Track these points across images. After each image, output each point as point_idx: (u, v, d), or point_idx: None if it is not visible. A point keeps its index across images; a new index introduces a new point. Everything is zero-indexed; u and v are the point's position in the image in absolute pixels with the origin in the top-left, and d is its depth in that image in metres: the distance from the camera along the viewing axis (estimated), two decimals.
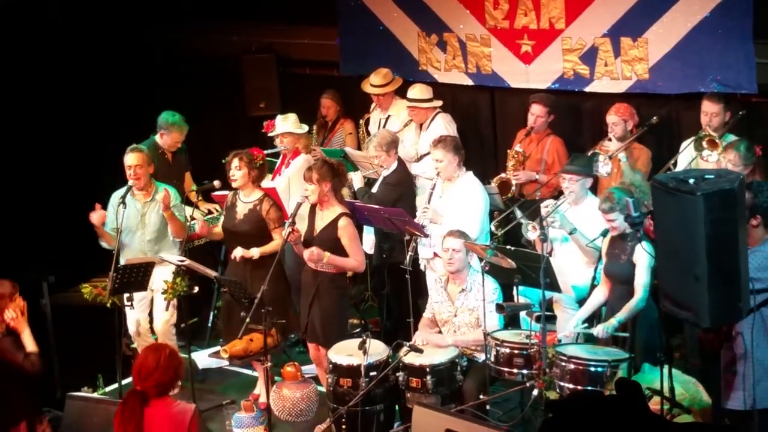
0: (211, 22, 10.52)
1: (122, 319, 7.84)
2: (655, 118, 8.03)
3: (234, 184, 7.69)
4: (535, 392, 6.51)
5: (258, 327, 6.93)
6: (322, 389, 7.34)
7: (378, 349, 6.91)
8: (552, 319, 6.80)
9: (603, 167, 7.52)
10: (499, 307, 6.79)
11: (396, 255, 8.19)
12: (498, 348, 6.69)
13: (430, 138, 8.26)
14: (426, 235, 7.73)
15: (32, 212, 9.75)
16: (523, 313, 7.15)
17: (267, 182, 8.25)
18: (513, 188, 8.42)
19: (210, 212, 8.86)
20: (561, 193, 7.64)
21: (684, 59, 8.04)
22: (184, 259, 7.59)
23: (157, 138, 8.74)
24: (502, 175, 8.48)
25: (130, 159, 7.82)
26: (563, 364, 6.41)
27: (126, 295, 7.54)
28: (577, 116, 8.85)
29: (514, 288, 7.06)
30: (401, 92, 9.13)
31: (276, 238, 7.54)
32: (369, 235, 8.37)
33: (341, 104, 9.76)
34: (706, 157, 7.41)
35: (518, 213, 7.74)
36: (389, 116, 9.26)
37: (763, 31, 7.71)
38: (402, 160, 8.45)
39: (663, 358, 6.06)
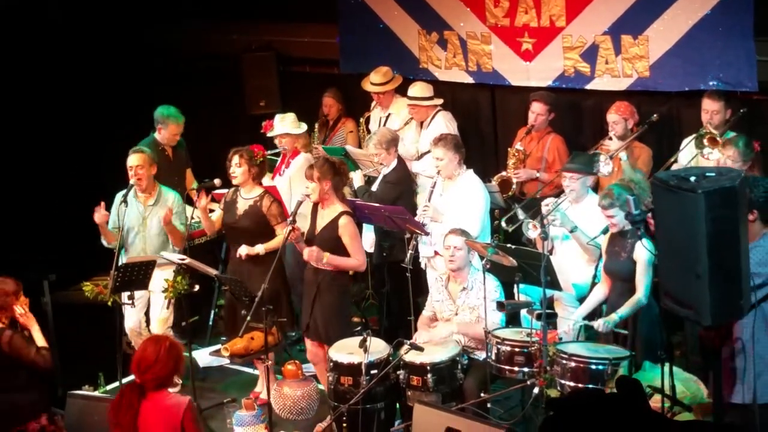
0: (211, 21, 10.52)
1: (123, 317, 7.85)
2: (655, 116, 8.03)
3: (234, 181, 7.72)
4: (536, 390, 6.51)
5: (259, 325, 6.93)
6: (323, 387, 7.34)
7: (379, 348, 6.91)
8: (553, 317, 6.79)
9: (604, 167, 7.51)
10: (500, 305, 6.79)
11: (396, 253, 8.20)
12: (499, 346, 6.69)
13: (431, 136, 8.26)
14: (427, 234, 7.73)
15: (32, 212, 9.75)
16: (524, 311, 7.14)
17: (267, 182, 8.26)
18: (514, 186, 8.42)
19: (212, 211, 8.86)
20: (562, 191, 7.64)
21: (685, 57, 8.04)
22: (184, 257, 7.60)
23: (156, 134, 8.76)
24: (503, 173, 8.48)
25: (132, 160, 7.85)
26: (564, 362, 6.41)
27: (126, 293, 7.55)
28: (577, 114, 8.85)
29: (515, 286, 7.06)
30: (402, 90, 9.13)
31: (279, 233, 7.55)
32: (369, 233, 8.36)
33: (343, 103, 9.76)
34: (707, 155, 7.41)
35: (520, 214, 7.74)
36: (390, 114, 9.25)
37: (763, 29, 7.70)
38: (401, 158, 8.45)
39: (664, 356, 6.06)
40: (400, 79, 9.23)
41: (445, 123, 8.75)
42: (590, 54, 8.50)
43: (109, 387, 7.95)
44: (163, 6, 10.38)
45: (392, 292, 8.42)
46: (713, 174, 5.14)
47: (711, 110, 7.59)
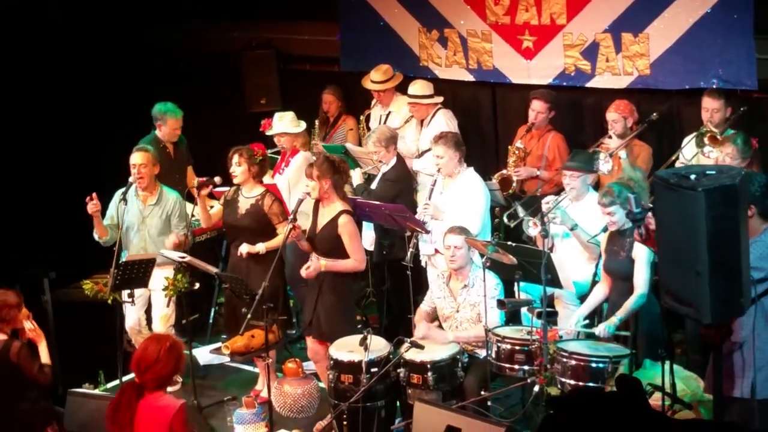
0: (211, 19, 10.52)
1: (123, 315, 7.85)
2: (654, 114, 8.02)
3: (235, 180, 7.72)
4: (536, 388, 6.52)
5: (259, 323, 6.93)
6: (324, 385, 7.34)
7: (379, 346, 6.91)
8: (553, 315, 6.79)
9: (604, 165, 7.51)
10: (500, 303, 6.79)
11: (396, 251, 8.20)
12: (499, 344, 6.69)
13: (431, 134, 8.26)
14: (427, 231, 7.73)
15: (33, 210, 9.75)
16: (524, 309, 7.14)
17: (267, 180, 8.26)
18: (514, 184, 8.42)
19: (211, 207, 8.85)
20: (562, 189, 7.63)
21: (685, 55, 8.04)
22: (185, 255, 7.61)
23: (157, 132, 8.75)
24: (503, 171, 8.47)
25: (135, 158, 7.84)
26: (564, 360, 6.41)
27: (126, 291, 7.55)
28: (578, 112, 8.85)
29: (515, 284, 7.06)
30: (402, 88, 9.12)
31: (280, 232, 7.55)
32: (368, 231, 8.36)
33: (343, 100, 9.76)
34: (708, 153, 7.41)
35: (521, 212, 7.74)
36: (390, 112, 9.25)
37: (763, 27, 7.70)
38: (401, 156, 8.45)
39: (664, 354, 6.05)
40: (401, 77, 9.23)
41: (445, 121, 8.75)
42: (591, 52, 8.50)
43: (109, 385, 7.96)
44: (163, 6, 10.38)
45: (392, 290, 8.42)
46: (713, 172, 5.14)
47: (711, 108, 7.59)
